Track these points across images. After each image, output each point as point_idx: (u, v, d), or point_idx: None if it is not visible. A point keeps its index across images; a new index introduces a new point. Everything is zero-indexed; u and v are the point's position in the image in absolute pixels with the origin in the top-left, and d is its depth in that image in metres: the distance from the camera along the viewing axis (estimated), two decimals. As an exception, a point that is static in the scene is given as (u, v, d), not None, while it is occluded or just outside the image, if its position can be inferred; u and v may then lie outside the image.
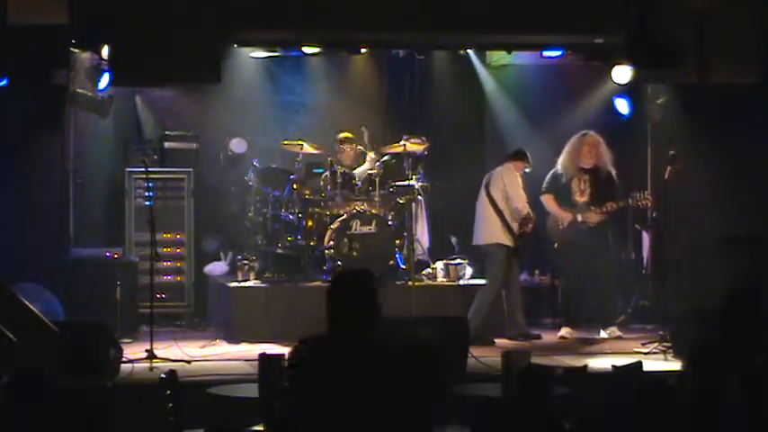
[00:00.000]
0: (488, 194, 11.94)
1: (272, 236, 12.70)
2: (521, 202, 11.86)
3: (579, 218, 11.84)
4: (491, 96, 14.06)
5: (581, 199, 11.91)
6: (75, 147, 12.27)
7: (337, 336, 5.99)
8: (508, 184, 11.91)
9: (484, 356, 10.40)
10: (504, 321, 11.86)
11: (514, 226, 11.85)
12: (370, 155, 12.93)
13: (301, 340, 6.02)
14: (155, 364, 10.16)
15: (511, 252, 11.86)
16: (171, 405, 7.50)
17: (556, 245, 12.07)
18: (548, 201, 12.00)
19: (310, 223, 12.64)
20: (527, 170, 12.06)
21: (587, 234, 11.82)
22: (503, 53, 13.37)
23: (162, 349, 10.73)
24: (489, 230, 11.95)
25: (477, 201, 12.10)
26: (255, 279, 12.42)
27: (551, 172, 12.01)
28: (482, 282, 12.16)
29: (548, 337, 12.12)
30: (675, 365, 9.85)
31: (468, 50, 13.63)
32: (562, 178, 11.91)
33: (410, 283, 11.91)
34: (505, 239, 11.86)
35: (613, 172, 11.89)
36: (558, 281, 12.46)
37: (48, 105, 11.51)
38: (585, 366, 8.53)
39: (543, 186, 12.03)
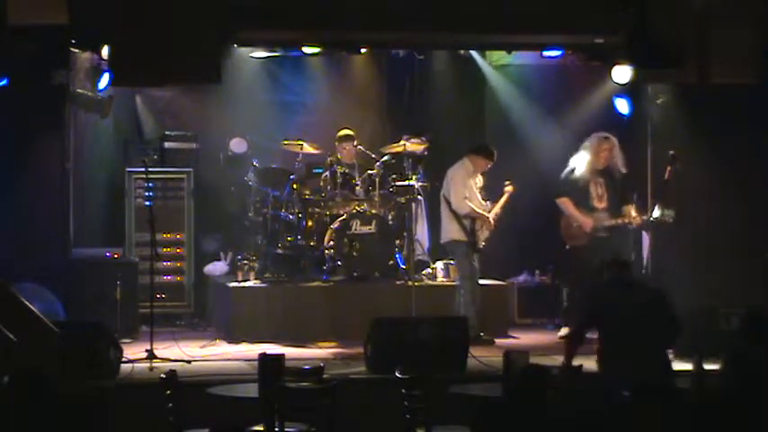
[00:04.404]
0: (442, 191, 11.96)
1: (272, 236, 12.69)
2: (457, 199, 11.78)
3: (605, 223, 11.72)
4: (495, 95, 14.05)
5: (600, 205, 11.78)
6: (75, 147, 12.27)
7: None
8: (451, 180, 11.88)
9: (484, 356, 10.41)
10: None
11: (466, 222, 11.80)
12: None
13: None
14: (155, 364, 10.16)
15: (469, 247, 11.82)
16: (171, 405, 7.52)
17: (568, 246, 11.95)
18: (565, 204, 11.82)
19: (310, 223, 12.64)
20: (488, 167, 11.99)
21: (602, 237, 11.73)
22: (503, 53, 13.37)
23: (162, 349, 10.73)
24: (445, 228, 11.99)
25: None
26: (255, 279, 12.42)
27: (565, 174, 11.86)
28: (484, 281, 12.17)
29: (548, 337, 12.13)
30: (675, 366, 9.85)
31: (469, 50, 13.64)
32: (579, 181, 11.79)
33: (410, 283, 11.91)
34: (458, 235, 11.83)
35: (624, 172, 11.83)
36: (564, 281, 12.37)
37: (48, 105, 11.51)
38: (580, 366, 8.54)
39: (559, 189, 11.90)
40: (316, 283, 12.39)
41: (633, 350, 8.20)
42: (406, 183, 12.61)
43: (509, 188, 12.15)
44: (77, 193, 12.30)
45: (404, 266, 12.38)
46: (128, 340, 11.09)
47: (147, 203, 11.76)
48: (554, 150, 13.22)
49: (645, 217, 11.79)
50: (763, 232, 11.96)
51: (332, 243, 12.39)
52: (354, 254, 12.33)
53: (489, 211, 11.98)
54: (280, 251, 12.62)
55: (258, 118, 13.74)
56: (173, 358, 10.39)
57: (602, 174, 11.83)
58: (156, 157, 13.20)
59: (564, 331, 11.98)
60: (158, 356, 10.33)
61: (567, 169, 11.89)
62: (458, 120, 14.15)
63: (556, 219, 12.04)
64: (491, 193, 12.19)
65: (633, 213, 11.72)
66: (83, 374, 9.20)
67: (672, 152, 11.59)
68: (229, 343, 11.68)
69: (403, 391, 7.70)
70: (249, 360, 10.25)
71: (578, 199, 11.81)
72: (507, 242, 12.90)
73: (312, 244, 12.59)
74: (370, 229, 12.38)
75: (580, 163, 11.82)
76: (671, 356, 9.57)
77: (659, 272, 11.92)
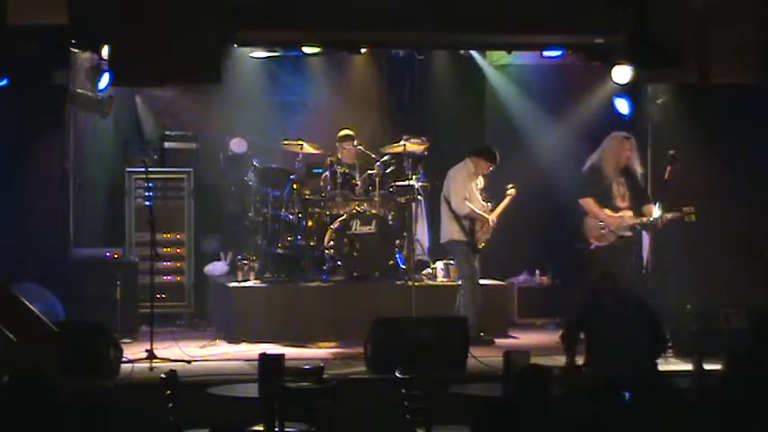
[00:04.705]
0: (442, 192, 11.96)
1: (272, 236, 12.70)
2: (457, 200, 11.78)
3: (629, 222, 11.55)
4: (495, 95, 14.03)
5: (622, 204, 11.54)
6: (75, 147, 12.26)
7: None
8: (452, 181, 11.87)
9: (484, 356, 10.41)
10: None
11: (466, 222, 11.80)
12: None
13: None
14: (155, 364, 10.16)
15: (469, 248, 11.81)
16: (171, 405, 7.52)
17: (593, 246, 11.65)
18: (589, 204, 11.49)
19: (310, 223, 12.64)
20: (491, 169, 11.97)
21: (626, 237, 11.60)
22: (503, 53, 13.37)
23: (162, 349, 10.74)
24: (445, 228, 11.98)
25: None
26: (255, 279, 12.42)
27: (587, 174, 11.56)
28: (484, 281, 12.16)
29: (548, 337, 12.13)
30: (676, 366, 9.88)
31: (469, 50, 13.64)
32: (604, 181, 11.51)
33: (410, 283, 11.91)
34: (458, 236, 11.83)
35: (641, 171, 11.70)
36: (580, 281, 12.23)
37: (48, 105, 11.51)
38: (581, 366, 8.55)
39: (582, 189, 11.60)
40: (316, 283, 12.39)
41: (622, 353, 8.27)
42: (406, 183, 12.61)
43: (511, 191, 12.12)
44: (77, 193, 12.30)
45: (404, 266, 12.39)
46: (128, 340, 11.10)
47: (147, 203, 11.76)
48: (554, 150, 13.23)
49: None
50: (763, 232, 11.96)
51: (332, 243, 12.39)
52: (354, 254, 12.33)
53: (490, 213, 11.98)
54: (280, 251, 12.62)
55: (258, 118, 13.74)
56: (173, 358, 10.39)
57: (622, 173, 11.67)
58: (156, 157, 13.20)
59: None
60: (158, 356, 10.34)
61: (587, 169, 11.58)
62: (458, 120, 14.14)
63: (575, 219, 11.75)
64: (492, 194, 12.18)
65: (654, 212, 11.55)
66: (83, 374, 9.20)
67: (672, 152, 11.54)
68: (229, 343, 11.68)
69: (403, 391, 7.70)
70: (249, 360, 10.25)
71: (601, 199, 11.56)
72: (507, 242, 12.88)
73: (312, 244, 12.59)
74: (370, 229, 12.39)
75: (606, 162, 11.62)
76: (670, 355, 9.62)
77: (659, 272, 11.91)
